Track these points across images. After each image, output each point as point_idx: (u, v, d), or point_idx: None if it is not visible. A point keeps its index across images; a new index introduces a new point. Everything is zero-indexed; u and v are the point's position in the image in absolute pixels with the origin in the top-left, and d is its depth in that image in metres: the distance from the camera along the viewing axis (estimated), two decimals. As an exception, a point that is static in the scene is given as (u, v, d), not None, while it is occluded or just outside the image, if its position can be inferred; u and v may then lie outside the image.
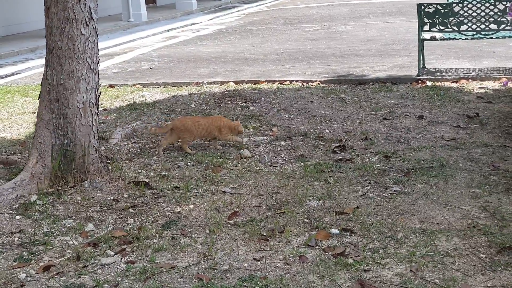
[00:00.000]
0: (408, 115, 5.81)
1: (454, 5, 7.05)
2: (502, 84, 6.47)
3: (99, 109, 4.60)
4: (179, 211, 3.90)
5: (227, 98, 6.86)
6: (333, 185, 4.18)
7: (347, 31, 11.96)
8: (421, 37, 7.34)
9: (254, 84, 7.68)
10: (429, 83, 7.08)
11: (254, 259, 3.23)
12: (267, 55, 9.80)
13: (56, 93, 4.23)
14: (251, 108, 6.39)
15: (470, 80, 7.02)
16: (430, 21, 7.18)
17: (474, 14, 7.03)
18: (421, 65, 7.65)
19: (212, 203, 3.96)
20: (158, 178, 4.51)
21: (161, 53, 11.01)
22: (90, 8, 4.21)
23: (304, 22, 14.09)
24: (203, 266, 3.19)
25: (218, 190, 4.20)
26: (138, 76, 8.81)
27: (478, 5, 6.98)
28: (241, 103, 6.64)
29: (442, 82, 7.08)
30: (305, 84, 7.53)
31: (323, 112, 6.07)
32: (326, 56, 9.31)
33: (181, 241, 3.47)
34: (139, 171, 4.68)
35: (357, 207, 3.77)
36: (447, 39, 7.42)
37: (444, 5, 7.07)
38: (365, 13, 14.76)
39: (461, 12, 7.06)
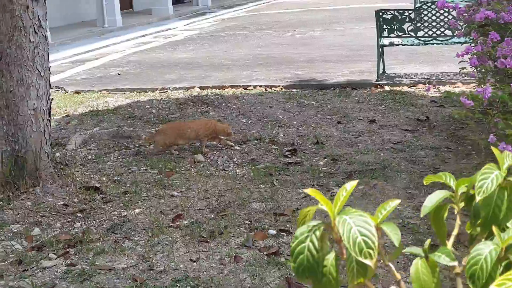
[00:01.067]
0: (361, 119, 5.96)
1: (410, 11, 7.22)
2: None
3: (51, 116, 4.69)
4: (125, 215, 3.99)
5: (189, 104, 6.97)
6: (278, 187, 4.30)
7: (317, 37, 12.13)
8: (380, 43, 7.51)
9: (219, 89, 7.80)
10: (387, 88, 7.25)
11: (191, 260, 3.34)
12: (236, 60, 9.92)
13: (6, 100, 4.31)
14: (211, 113, 6.50)
15: (427, 85, 7.18)
16: (388, 27, 7.35)
17: (430, 20, 7.20)
18: (382, 70, 7.81)
19: (158, 207, 4.06)
20: (109, 183, 4.60)
21: (132, 58, 11.09)
22: (39, 16, 4.30)
23: (278, 27, 14.24)
24: (141, 267, 3.29)
25: (166, 194, 4.31)
26: (105, 82, 8.88)
27: (433, 11, 7.15)
28: (202, 108, 6.75)
29: (400, 87, 7.24)
30: (268, 89, 7.66)
31: (281, 117, 6.20)
32: (293, 61, 9.45)
33: (123, 244, 3.57)
34: (92, 176, 4.77)
35: (297, 209, 3.90)
36: (405, 45, 7.59)
37: (401, 11, 7.25)
38: (338, 19, 14.95)
39: (418, 18, 7.23)
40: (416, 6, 7.32)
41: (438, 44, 7.44)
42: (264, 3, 23.22)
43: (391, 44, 7.52)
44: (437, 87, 6.21)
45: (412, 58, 8.81)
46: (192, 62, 10.08)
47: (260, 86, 7.79)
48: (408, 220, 3.63)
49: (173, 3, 22.06)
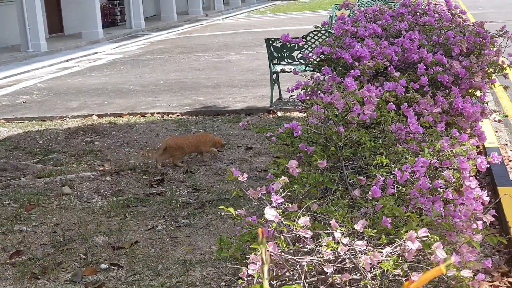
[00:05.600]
0: (240, 146, 6.10)
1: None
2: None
3: None
4: (-32, 252, 3.99)
5: (79, 133, 7.00)
6: (129, 220, 4.38)
7: (234, 61, 12.32)
8: (273, 70, 7.71)
9: (117, 117, 7.85)
10: (279, 114, 7.43)
11: (14, 297, 3.37)
12: (145, 86, 10.00)
13: None
14: (96, 143, 6.54)
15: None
16: (279, 55, 7.57)
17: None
18: (278, 96, 8.02)
19: (2, 243, 4.07)
20: (-32, 218, 4.59)
21: (46, 85, 11.03)
22: None
23: (201, 51, 14.40)
24: (-41, 307, 3.30)
25: (17, 229, 4.33)
26: (8, 110, 8.81)
27: (320, 40, 7.39)
28: (89, 137, 6.78)
29: (292, 112, 7.44)
30: (165, 116, 7.75)
31: (163, 145, 6.29)
32: (200, 86, 9.58)
33: (-47, 283, 3.58)
34: (-48, 211, 4.74)
35: (137, 242, 3.98)
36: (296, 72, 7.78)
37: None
38: (261, 42, 15.16)
39: (306, 46, 7.46)
40: (303, 34, 7.53)
41: (328, 70, 7.67)
42: (200, 24, 23.43)
43: (283, 71, 7.71)
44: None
45: (313, 83, 9.03)
46: (102, 88, 10.11)
47: (158, 113, 7.88)
48: (238, 250, 3.74)
49: (106, 26, 22.05)
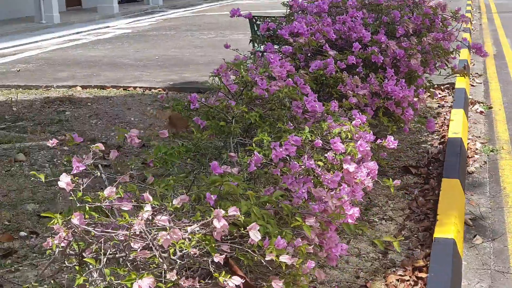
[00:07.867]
0: (207, 124, 6.01)
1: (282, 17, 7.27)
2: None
3: None
4: None
5: (56, 103, 6.98)
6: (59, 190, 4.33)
7: (236, 40, 12.15)
8: (256, 49, 7.55)
9: (100, 89, 7.82)
10: (260, 93, 7.31)
11: None
12: (139, 60, 9.95)
13: None
14: (67, 113, 6.52)
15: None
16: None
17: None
18: (263, 76, 7.88)
19: None
20: None
21: (46, 55, 11.06)
22: None
23: (207, 29, 14.30)
24: None
25: (-44, 193, 4.32)
26: (0, 78, 8.86)
27: (304, 19, 7.22)
28: (63, 108, 6.76)
29: (272, 93, 7.30)
30: (146, 90, 7.69)
31: (132, 119, 6.24)
32: (193, 64, 9.49)
33: None
34: None
35: (61, 212, 3.93)
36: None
37: (273, 18, 7.30)
38: (271, 22, 15.01)
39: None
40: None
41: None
42: (219, 4, 23.29)
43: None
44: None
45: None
46: (98, 60, 10.09)
47: (140, 87, 7.82)
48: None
49: (124, 1, 22.07)
